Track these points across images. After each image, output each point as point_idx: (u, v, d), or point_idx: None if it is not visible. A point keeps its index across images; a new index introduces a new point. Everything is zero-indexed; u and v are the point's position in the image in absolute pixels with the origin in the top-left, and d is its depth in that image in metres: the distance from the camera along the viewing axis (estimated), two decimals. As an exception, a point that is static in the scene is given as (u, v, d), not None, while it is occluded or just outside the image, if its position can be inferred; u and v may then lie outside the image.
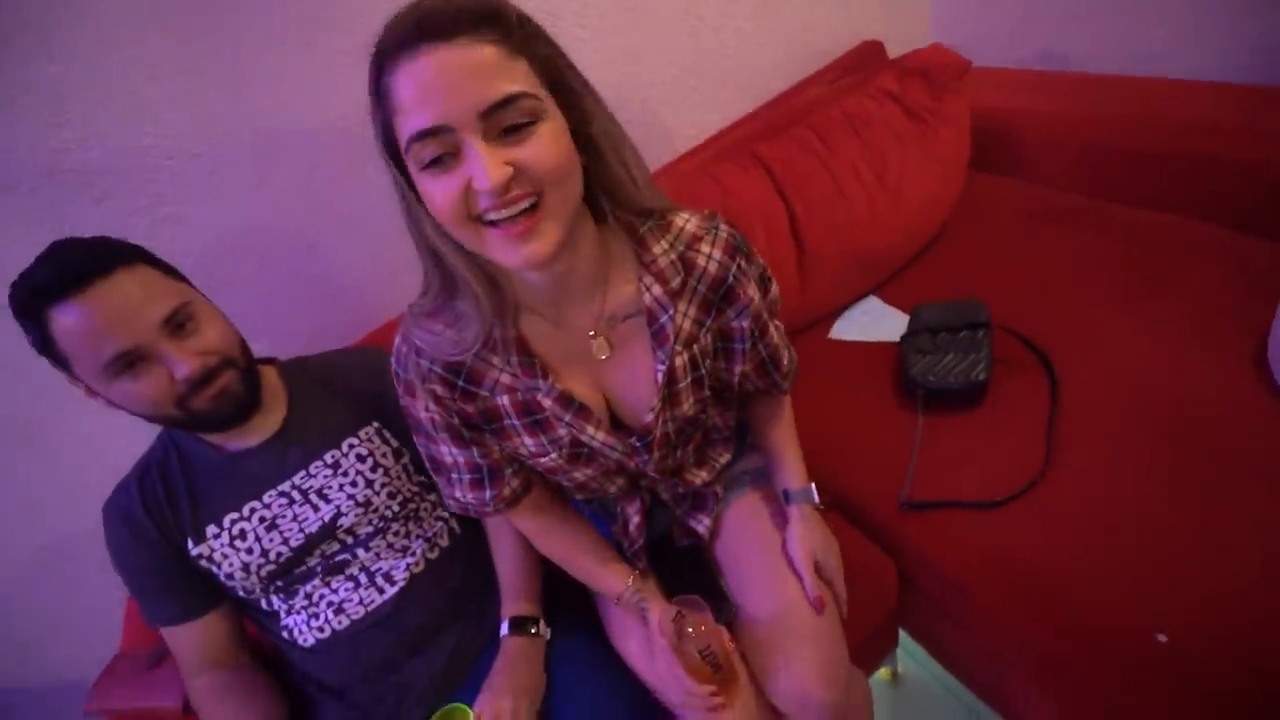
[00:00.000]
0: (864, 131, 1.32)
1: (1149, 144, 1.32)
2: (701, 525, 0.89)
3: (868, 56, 1.60)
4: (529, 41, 0.53)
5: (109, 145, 0.95)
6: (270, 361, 0.93)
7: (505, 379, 0.70)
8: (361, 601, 0.87)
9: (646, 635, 0.81)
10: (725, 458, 0.92)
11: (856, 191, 1.30)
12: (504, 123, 0.51)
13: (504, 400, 0.71)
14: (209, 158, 1.02)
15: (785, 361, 0.84)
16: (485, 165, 0.50)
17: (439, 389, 0.70)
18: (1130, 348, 1.09)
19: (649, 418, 0.74)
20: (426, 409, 0.72)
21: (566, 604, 0.92)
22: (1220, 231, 1.23)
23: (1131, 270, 1.22)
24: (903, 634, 1.12)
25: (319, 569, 0.87)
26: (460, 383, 0.70)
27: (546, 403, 0.71)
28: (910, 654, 1.21)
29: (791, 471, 0.90)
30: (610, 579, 0.84)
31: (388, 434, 0.92)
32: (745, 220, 1.25)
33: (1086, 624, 0.82)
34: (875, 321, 1.32)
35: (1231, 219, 1.23)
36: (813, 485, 0.89)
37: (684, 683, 0.74)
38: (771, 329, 0.80)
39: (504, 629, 0.87)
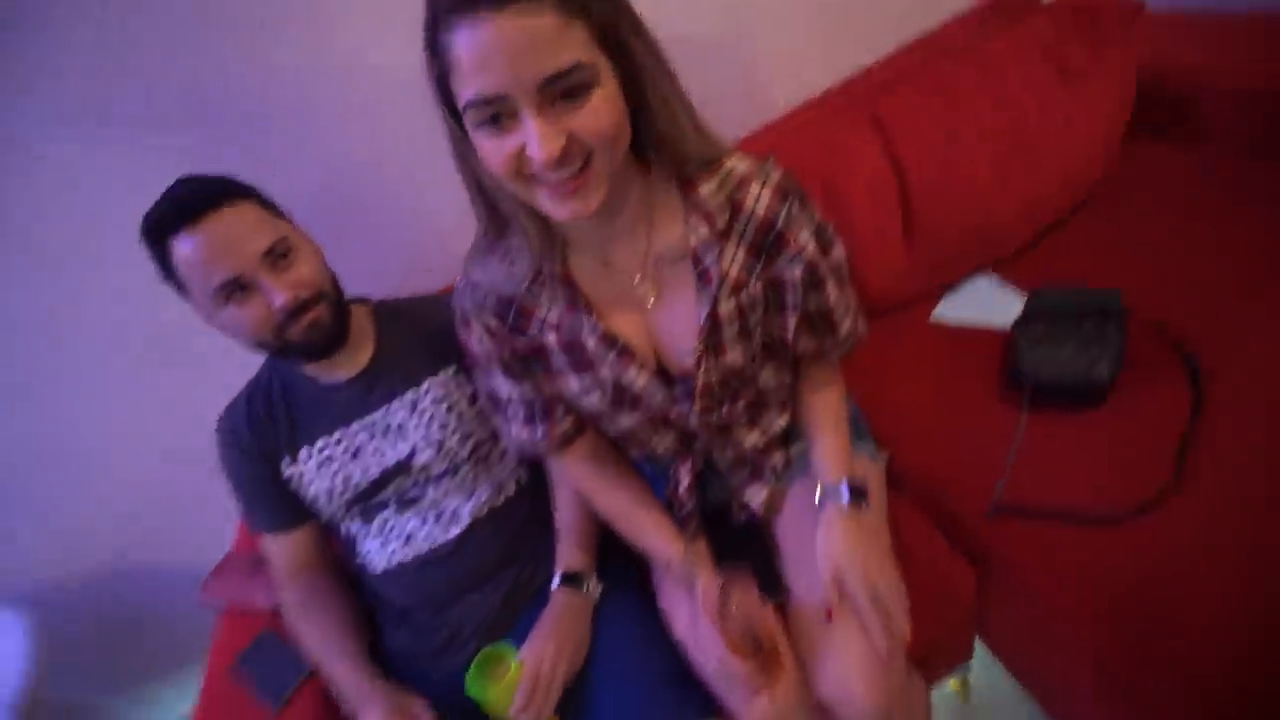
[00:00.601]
0: (1000, 85, 1.16)
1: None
2: (756, 498, 0.86)
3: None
4: (587, 2, 0.52)
5: (248, 89, 1.03)
6: (363, 301, 0.98)
7: (552, 317, 0.73)
8: (428, 537, 0.92)
9: (694, 605, 0.81)
10: (781, 422, 0.87)
11: (980, 153, 1.15)
12: (559, 90, 0.52)
13: (550, 338, 0.74)
14: (327, 101, 1.08)
15: (844, 328, 0.78)
16: (541, 138, 0.52)
17: (491, 321, 0.74)
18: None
19: (689, 361, 0.73)
20: (480, 341, 0.76)
21: (621, 560, 0.93)
22: None
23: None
24: (979, 646, 1.04)
25: (393, 501, 0.92)
26: (511, 317, 0.73)
27: (590, 342, 0.72)
28: (985, 667, 1.12)
29: (827, 462, 0.82)
30: (660, 542, 0.83)
31: (464, 379, 0.95)
32: (845, 177, 1.14)
33: (1195, 670, 0.72)
34: (987, 303, 1.19)
35: None
36: (844, 484, 0.80)
37: (722, 655, 0.73)
38: (830, 285, 0.74)
39: (555, 582, 0.89)
